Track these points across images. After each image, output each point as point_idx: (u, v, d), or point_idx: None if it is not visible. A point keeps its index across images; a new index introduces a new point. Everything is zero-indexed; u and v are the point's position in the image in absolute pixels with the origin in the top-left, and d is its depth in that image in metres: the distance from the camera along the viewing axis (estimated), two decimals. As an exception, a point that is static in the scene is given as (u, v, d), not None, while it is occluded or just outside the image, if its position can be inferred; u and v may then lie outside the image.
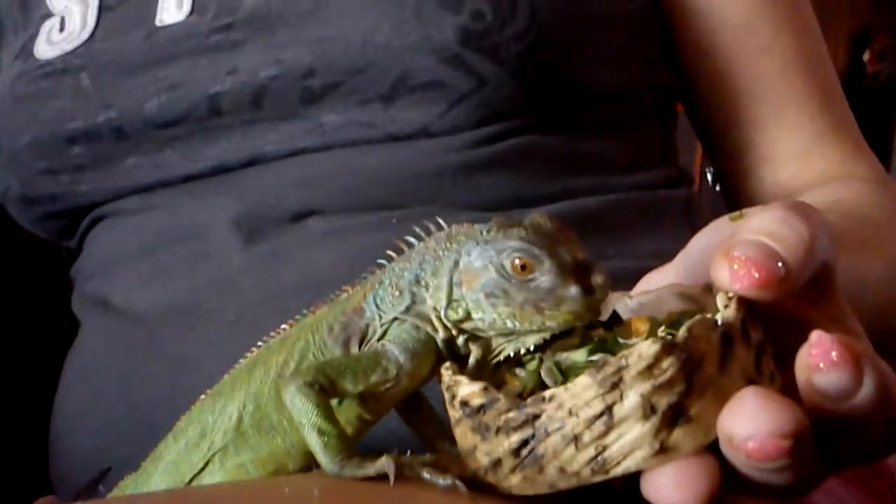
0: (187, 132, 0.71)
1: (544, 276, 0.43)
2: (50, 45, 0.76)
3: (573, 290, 0.43)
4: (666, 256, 0.51)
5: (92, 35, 0.75)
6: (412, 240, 0.48)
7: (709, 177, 1.77)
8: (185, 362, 0.65)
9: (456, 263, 0.45)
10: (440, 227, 0.47)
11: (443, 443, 0.51)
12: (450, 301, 0.45)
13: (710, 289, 0.45)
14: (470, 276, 0.44)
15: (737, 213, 0.45)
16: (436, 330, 0.46)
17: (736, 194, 0.81)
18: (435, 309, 0.46)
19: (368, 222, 0.67)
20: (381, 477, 0.42)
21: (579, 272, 0.43)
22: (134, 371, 0.68)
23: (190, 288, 0.68)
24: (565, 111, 0.71)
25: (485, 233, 0.44)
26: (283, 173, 0.70)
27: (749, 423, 0.38)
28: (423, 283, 0.46)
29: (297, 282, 0.65)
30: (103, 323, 0.72)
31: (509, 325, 0.44)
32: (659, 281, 0.48)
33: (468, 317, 0.45)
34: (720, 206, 0.80)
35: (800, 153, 0.77)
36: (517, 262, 0.43)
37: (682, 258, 0.48)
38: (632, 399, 0.38)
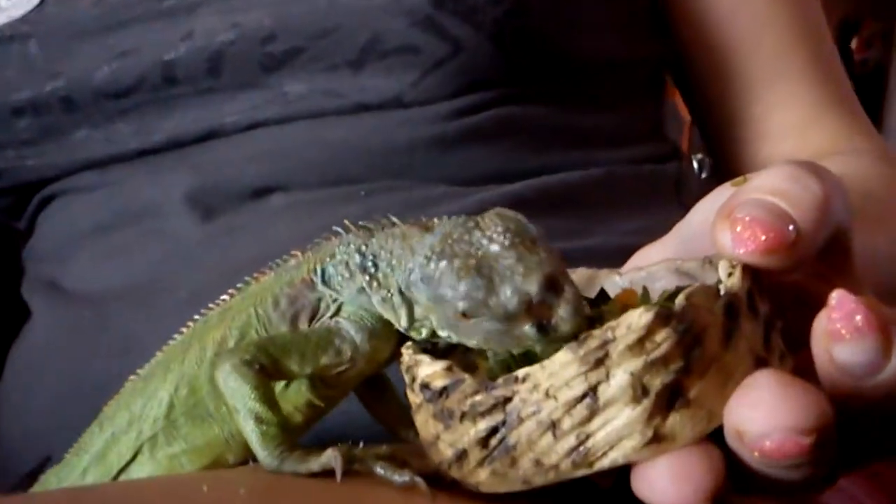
0: (140, 102, 0.66)
1: (492, 322, 0.37)
2: None
3: (527, 329, 0.37)
4: (654, 234, 0.47)
5: (42, 0, 0.70)
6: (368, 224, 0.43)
7: (695, 164, 1.73)
8: (133, 342, 0.60)
9: (408, 286, 0.40)
10: (392, 223, 0.42)
11: (408, 432, 0.46)
12: (411, 322, 0.40)
13: (710, 262, 0.40)
14: (419, 304, 0.39)
15: (740, 178, 0.40)
16: (396, 320, 0.41)
17: (729, 172, 0.77)
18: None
19: (334, 195, 0.62)
20: (327, 473, 0.37)
21: (536, 308, 0.36)
22: (80, 352, 0.63)
23: (143, 266, 0.64)
24: (548, 81, 0.67)
25: (428, 262, 0.38)
26: (242, 147, 0.65)
27: (765, 416, 0.33)
28: (373, 281, 0.41)
29: (255, 257, 0.59)
30: (51, 306, 0.68)
31: (474, 344, 0.39)
32: (653, 256, 0.44)
33: (434, 335, 0.40)
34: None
35: (797, 126, 0.74)
36: (459, 311, 0.37)
37: (679, 231, 0.44)
38: (619, 378, 0.33)
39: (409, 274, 0.39)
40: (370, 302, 0.41)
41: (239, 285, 0.45)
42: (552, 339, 0.36)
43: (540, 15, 0.65)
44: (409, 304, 0.40)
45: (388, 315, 0.41)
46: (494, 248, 0.37)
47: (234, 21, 0.63)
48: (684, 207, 0.71)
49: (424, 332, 0.40)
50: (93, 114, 0.67)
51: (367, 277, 0.41)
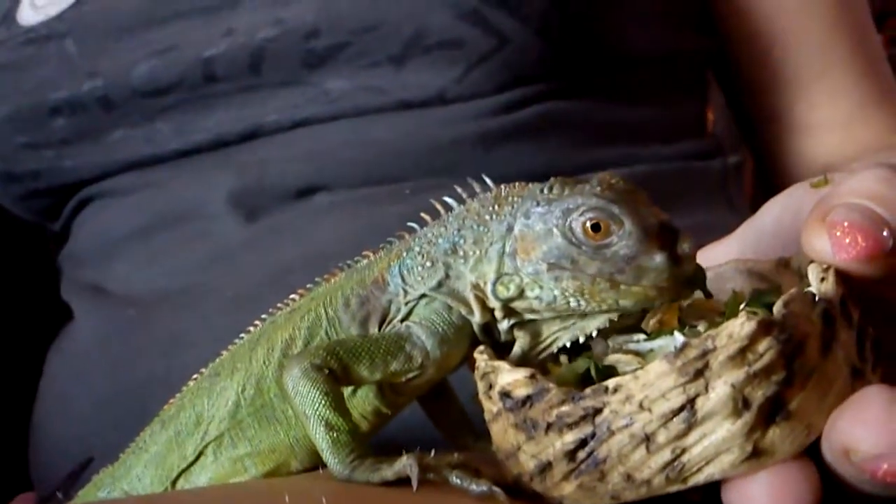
0: (180, 101, 0.65)
1: (624, 241, 0.36)
2: (34, 9, 0.70)
3: (658, 258, 0.35)
4: (707, 232, 0.46)
5: None
6: (451, 202, 0.41)
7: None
8: (178, 342, 0.59)
9: (509, 229, 0.38)
10: (486, 188, 0.40)
11: (468, 439, 0.45)
12: (499, 275, 0.38)
13: (785, 264, 0.38)
14: (528, 243, 0.37)
15: (819, 179, 0.39)
16: (471, 312, 0.39)
17: (772, 168, 0.76)
18: (476, 287, 0.39)
19: (379, 194, 0.61)
20: (401, 481, 0.36)
21: (664, 237, 0.36)
22: (123, 354, 0.62)
23: (187, 267, 0.63)
24: (594, 75, 0.66)
25: (546, 191, 0.37)
26: (285, 146, 0.64)
27: (880, 437, 0.31)
28: (460, 252, 0.39)
29: (300, 257, 0.59)
30: (95, 306, 0.67)
31: (573, 304, 0.37)
32: (716, 257, 0.42)
33: (521, 294, 0.38)
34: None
35: (842, 121, 0.72)
36: (590, 223, 0.36)
37: (747, 230, 0.42)
38: (720, 390, 0.31)
39: (516, 212, 0.38)
40: (445, 300, 0.40)
41: (309, 286, 0.44)
42: (676, 275, 0.36)
43: (587, 6, 0.64)
44: (500, 258, 0.38)
45: (474, 277, 0.39)
46: (619, 184, 0.37)
47: (277, 17, 0.62)
48: (732, 205, 0.70)
49: (512, 289, 0.38)
50: (131, 113, 0.66)
51: (457, 252, 0.39)
